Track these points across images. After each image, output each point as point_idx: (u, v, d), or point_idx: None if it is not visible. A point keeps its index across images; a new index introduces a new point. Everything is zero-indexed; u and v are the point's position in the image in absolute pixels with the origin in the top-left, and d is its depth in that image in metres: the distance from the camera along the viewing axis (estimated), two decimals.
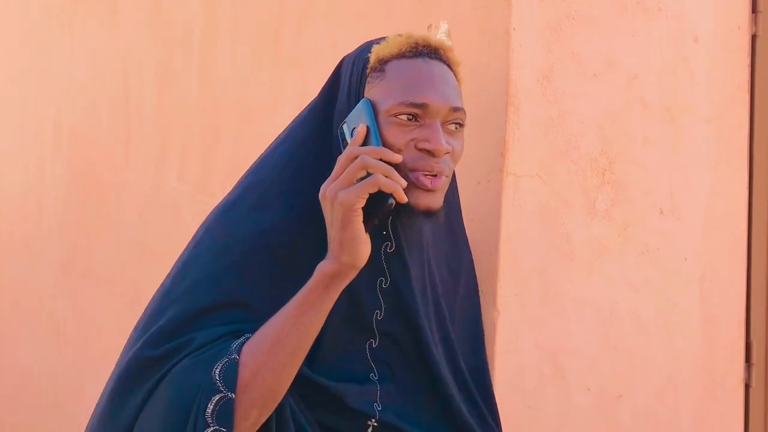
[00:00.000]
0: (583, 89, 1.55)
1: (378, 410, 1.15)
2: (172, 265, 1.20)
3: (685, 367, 1.68)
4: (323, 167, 1.15)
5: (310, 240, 1.14)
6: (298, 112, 1.26)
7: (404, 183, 1.04)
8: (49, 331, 3.14)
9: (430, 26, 1.23)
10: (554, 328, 1.52)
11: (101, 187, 2.89)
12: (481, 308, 1.43)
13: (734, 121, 1.75)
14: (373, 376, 1.17)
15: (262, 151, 1.26)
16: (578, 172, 1.55)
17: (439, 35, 1.22)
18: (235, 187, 1.22)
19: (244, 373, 1.03)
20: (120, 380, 1.09)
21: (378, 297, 1.17)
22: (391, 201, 1.04)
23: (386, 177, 1.03)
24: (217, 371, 1.02)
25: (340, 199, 1.03)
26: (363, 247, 1.04)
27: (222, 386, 1.02)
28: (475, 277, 1.41)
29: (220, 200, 1.23)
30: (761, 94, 1.77)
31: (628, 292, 1.60)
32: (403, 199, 1.04)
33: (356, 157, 1.05)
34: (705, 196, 1.71)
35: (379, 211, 1.05)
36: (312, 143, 1.19)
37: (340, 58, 1.23)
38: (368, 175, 1.04)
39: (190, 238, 1.22)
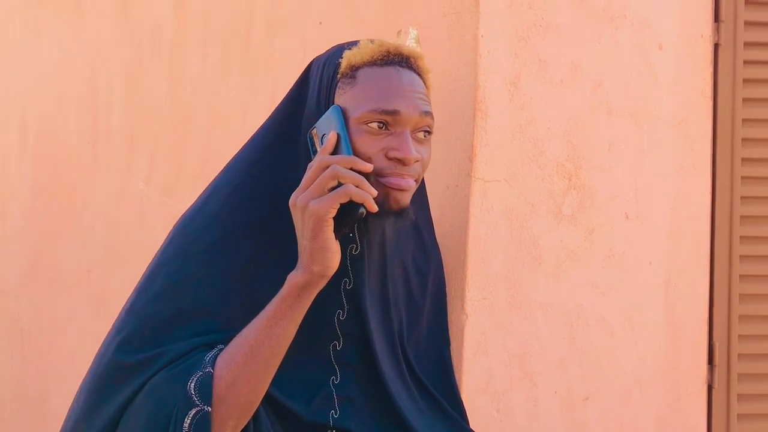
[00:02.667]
0: (550, 95, 1.57)
1: (334, 417, 1.15)
2: (139, 270, 1.19)
3: (650, 370, 1.70)
4: (289, 171, 1.15)
5: (276, 245, 1.14)
6: (268, 116, 1.25)
7: (375, 192, 1.05)
8: (13, 335, 3.09)
9: (399, 32, 1.24)
10: (522, 331, 1.53)
11: (67, 189, 2.85)
12: (450, 312, 1.44)
13: (698, 127, 1.78)
14: (335, 380, 1.17)
15: (232, 156, 1.26)
16: (545, 177, 1.56)
17: (409, 41, 1.23)
18: (203, 193, 1.22)
19: (220, 386, 1.03)
20: (94, 388, 1.09)
21: (341, 297, 1.18)
22: (362, 210, 1.05)
23: (357, 187, 1.04)
24: (192, 385, 1.03)
25: (311, 210, 1.03)
26: (333, 257, 1.05)
27: (198, 400, 1.02)
28: (443, 276, 1.42)
29: (189, 206, 1.22)
30: (723, 101, 1.80)
31: (594, 295, 1.62)
32: (374, 208, 1.05)
33: (327, 167, 1.05)
34: (669, 201, 1.74)
35: (349, 220, 1.05)
36: (278, 147, 1.19)
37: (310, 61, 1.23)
38: (339, 184, 1.04)
39: (157, 242, 1.21)
